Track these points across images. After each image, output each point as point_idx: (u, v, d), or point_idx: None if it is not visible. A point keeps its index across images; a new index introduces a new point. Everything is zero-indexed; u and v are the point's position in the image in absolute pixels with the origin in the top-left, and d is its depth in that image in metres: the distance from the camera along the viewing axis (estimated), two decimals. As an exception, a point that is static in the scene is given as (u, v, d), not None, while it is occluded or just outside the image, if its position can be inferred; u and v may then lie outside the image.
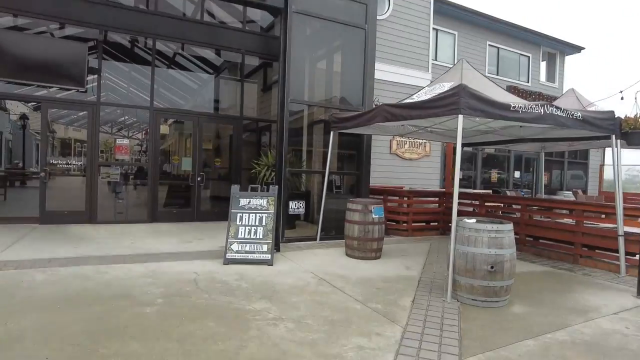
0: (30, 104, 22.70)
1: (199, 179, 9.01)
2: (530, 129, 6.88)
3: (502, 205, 9.04)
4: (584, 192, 16.04)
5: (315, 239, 7.18)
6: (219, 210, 9.39)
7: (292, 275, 5.04)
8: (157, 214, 8.61)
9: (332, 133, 7.01)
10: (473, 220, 4.52)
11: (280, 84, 6.88)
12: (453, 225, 4.38)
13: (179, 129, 12.29)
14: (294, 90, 7.04)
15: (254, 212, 5.72)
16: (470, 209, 8.90)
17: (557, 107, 5.01)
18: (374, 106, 7.35)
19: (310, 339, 3.23)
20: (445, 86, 5.96)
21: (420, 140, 11.85)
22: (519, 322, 3.81)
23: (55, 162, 8.51)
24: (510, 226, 4.32)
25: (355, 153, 9.06)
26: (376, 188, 8.76)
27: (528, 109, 4.77)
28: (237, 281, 4.68)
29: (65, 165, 8.49)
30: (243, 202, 5.77)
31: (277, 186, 5.89)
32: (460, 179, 10.38)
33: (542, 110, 4.86)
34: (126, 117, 10.70)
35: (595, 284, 5.27)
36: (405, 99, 6.32)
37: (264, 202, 5.77)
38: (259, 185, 5.95)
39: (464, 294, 4.29)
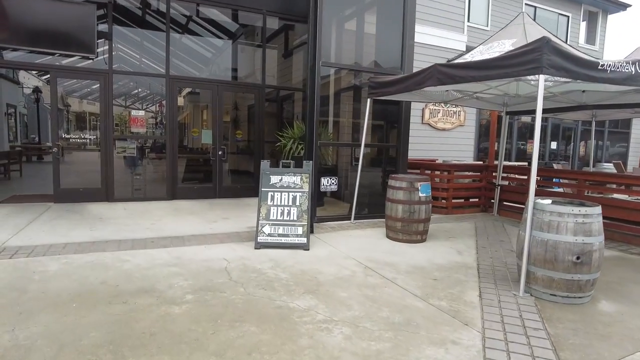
0: (43, 77, 22.29)
1: (220, 152, 8.42)
2: (596, 94, 6.04)
3: (540, 179, 8.28)
4: (624, 164, 15.02)
5: (348, 218, 6.58)
6: (242, 186, 8.85)
7: (333, 262, 4.46)
8: (177, 190, 8.09)
9: (368, 100, 6.26)
10: (548, 201, 3.83)
11: (310, 44, 6.11)
12: (529, 207, 3.70)
13: (195, 100, 11.65)
14: (324, 53, 6.26)
15: (286, 190, 5.11)
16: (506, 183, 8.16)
17: (649, 65, 4.17)
18: (414, 69, 6.55)
19: (374, 351, 2.65)
20: (505, 44, 5.15)
21: (455, 109, 11.00)
22: (617, 326, 3.18)
23: (68, 136, 8.00)
24: (599, 209, 3.62)
25: (384, 123, 8.33)
26: (410, 161, 8.04)
27: (617, 68, 3.96)
28: (273, 270, 4.12)
29: (78, 140, 7.97)
30: (274, 179, 5.15)
31: (311, 162, 5.24)
32: (495, 151, 9.57)
33: (632, 69, 4.04)
34: (140, 90, 10.08)
35: (681, 273, 4.58)
36: (454, 59, 5.51)
37: (297, 179, 5.14)
38: (291, 161, 5.31)
39: (540, 288, 3.66)
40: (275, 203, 5.07)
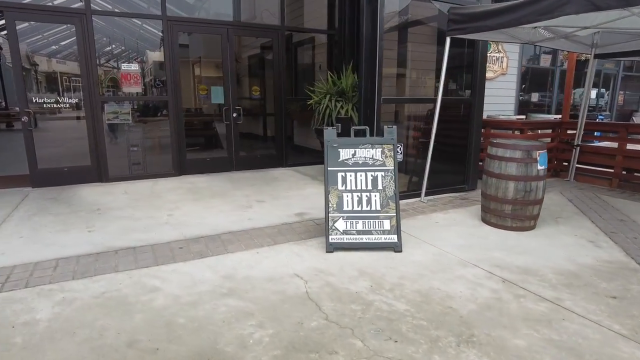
0: (3, 33, 19.47)
1: (234, 115, 6.82)
2: None
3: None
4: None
5: (415, 195, 5.24)
6: (262, 155, 7.37)
7: (451, 273, 3.13)
8: (186, 163, 6.55)
9: (447, 40, 4.70)
10: None
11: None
12: None
13: (183, 54, 9.71)
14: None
15: (362, 169, 3.67)
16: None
17: None
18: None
19: None
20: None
21: (497, 54, 9.51)
22: None
23: (42, 101, 6.23)
24: None
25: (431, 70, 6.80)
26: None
27: None
28: (377, 294, 2.78)
29: (55, 105, 6.22)
30: (345, 154, 3.69)
31: (393, 127, 3.77)
32: (533, 103, 8.13)
33: None
34: (123, 48, 8.18)
35: None
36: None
37: (377, 153, 3.70)
38: (365, 127, 3.83)
39: None
40: (348, 187, 3.64)
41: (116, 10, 6.44)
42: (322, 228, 4.03)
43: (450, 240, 3.80)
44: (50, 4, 6.29)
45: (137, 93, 6.37)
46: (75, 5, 5.82)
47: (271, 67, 7.31)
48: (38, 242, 3.65)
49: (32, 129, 5.62)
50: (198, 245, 3.61)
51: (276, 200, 5.13)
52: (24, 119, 5.54)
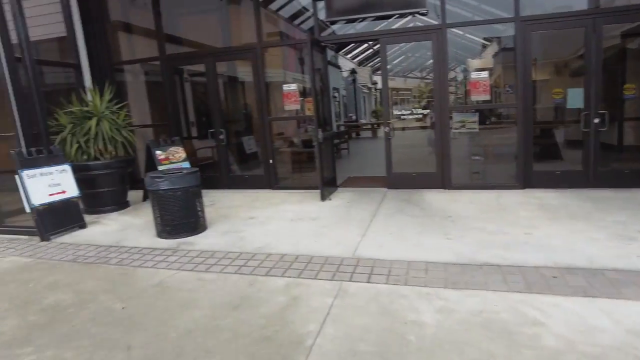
0: (355, 60, 24.46)
1: (596, 120, 5.60)
2: None
3: None
4: None
5: None
6: (632, 170, 5.76)
7: None
8: (531, 175, 5.90)
9: None
10: None
11: None
12: None
13: (508, 59, 8.93)
14: None
15: None
16: None
17: None
18: None
19: None
20: None
21: None
22: None
23: (398, 113, 7.10)
24: None
25: None
26: None
27: None
28: None
29: (408, 116, 6.95)
30: None
31: None
32: None
33: None
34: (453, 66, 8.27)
35: None
36: None
37: None
38: None
39: None
40: None
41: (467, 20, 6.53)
42: None
43: None
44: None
45: (483, 101, 6.25)
46: (432, 22, 6.26)
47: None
48: (404, 239, 4.02)
49: (391, 138, 6.43)
50: (575, 278, 3.00)
51: (674, 234, 3.77)
52: (386, 129, 6.40)
